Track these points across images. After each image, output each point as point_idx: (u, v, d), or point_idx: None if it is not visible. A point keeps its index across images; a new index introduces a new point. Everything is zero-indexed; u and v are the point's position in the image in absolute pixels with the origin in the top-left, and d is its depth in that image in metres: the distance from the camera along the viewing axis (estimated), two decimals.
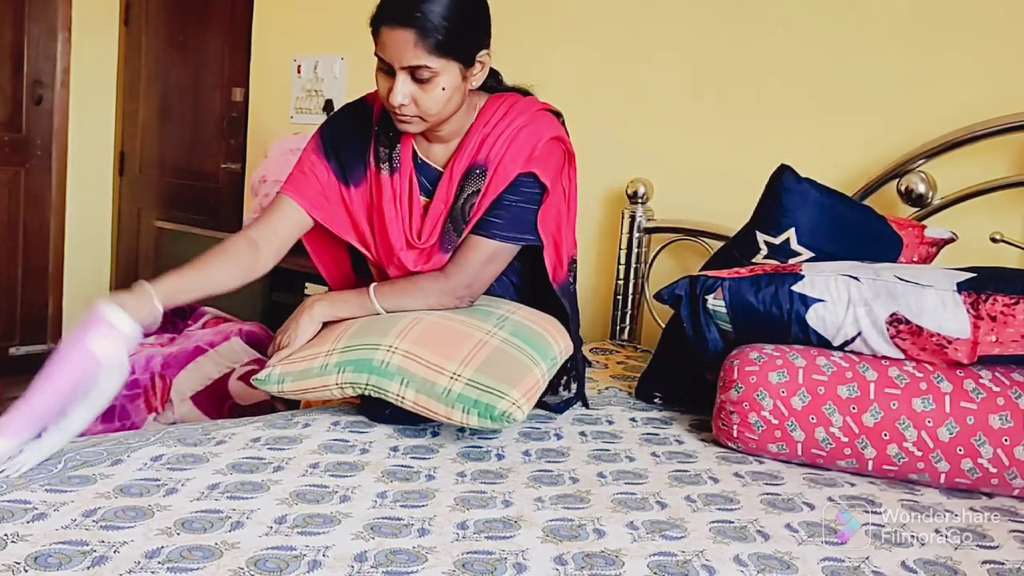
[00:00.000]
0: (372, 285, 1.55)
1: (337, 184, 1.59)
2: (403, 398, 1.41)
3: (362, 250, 1.64)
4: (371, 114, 1.61)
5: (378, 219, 1.57)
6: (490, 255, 1.54)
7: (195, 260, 1.47)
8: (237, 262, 1.51)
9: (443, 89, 1.42)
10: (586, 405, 1.70)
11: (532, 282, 1.69)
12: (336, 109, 1.66)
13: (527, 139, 1.52)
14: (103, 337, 1.21)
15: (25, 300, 4.03)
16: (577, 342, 1.65)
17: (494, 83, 1.60)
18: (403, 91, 1.41)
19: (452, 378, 1.38)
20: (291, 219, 1.58)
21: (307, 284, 2.82)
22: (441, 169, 1.57)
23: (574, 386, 1.70)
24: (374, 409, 1.52)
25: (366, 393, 1.44)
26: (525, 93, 1.62)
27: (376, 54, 1.42)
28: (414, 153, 1.58)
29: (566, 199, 1.61)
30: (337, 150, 1.59)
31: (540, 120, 1.55)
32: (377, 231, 1.58)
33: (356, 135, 1.60)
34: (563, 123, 1.60)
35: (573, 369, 1.69)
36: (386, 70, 1.42)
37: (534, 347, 1.47)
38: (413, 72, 1.40)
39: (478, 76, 1.49)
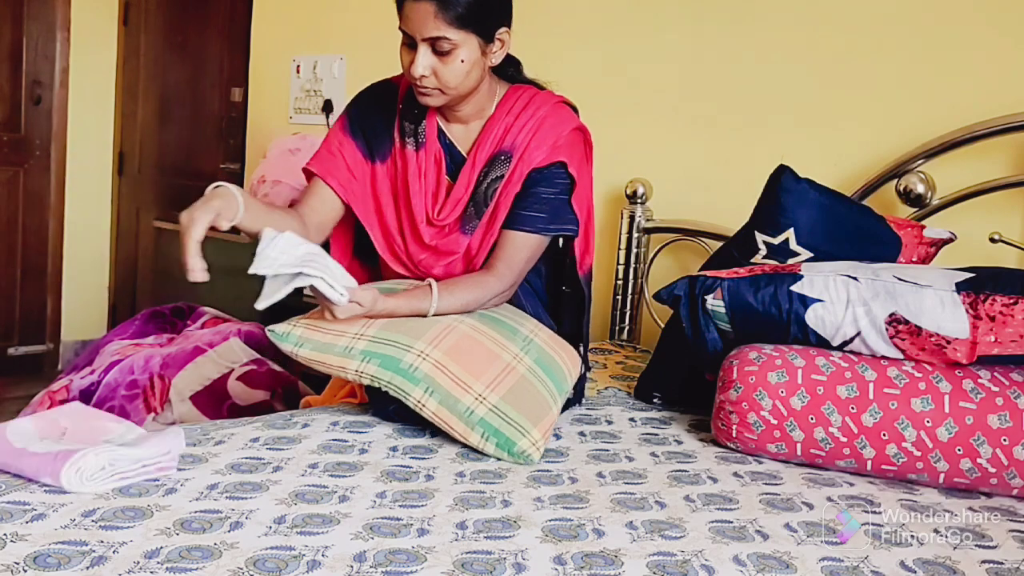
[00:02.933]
0: (430, 283, 1.51)
1: (364, 161, 1.63)
2: (424, 405, 1.41)
3: (377, 239, 1.65)
4: (396, 91, 1.65)
5: (403, 192, 1.61)
6: (534, 250, 1.60)
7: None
8: (294, 223, 1.53)
9: (462, 61, 1.47)
10: (579, 402, 1.71)
11: (547, 279, 1.74)
12: (362, 89, 1.72)
13: (551, 128, 1.58)
14: None
15: (24, 300, 4.03)
16: (587, 336, 1.70)
17: (515, 72, 1.66)
18: (423, 63, 1.46)
19: (477, 399, 1.40)
20: (325, 199, 1.62)
21: None
22: (465, 154, 1.61)
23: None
24: (379, 403, 1.53)
25: (384, 389, 1.44)
26: (540, 87, 1.67)
27: (400, 28, 1.48)
28: (440, 132, 1.62)
29: (590, 188, 1.67)
30: (363, 127, 1.64)
31: (561, 111, 1.61)
32: (402, 204, 1.62)
33: (381, 112, 1.64)
34: (578, 115, 1.66)
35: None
36: (409, 44, 1.48)
37: (553, 380, 1.50)
38: (433, 44, 1.45)
39: (497, 54, 1.54)
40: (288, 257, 1.31)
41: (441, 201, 1.60)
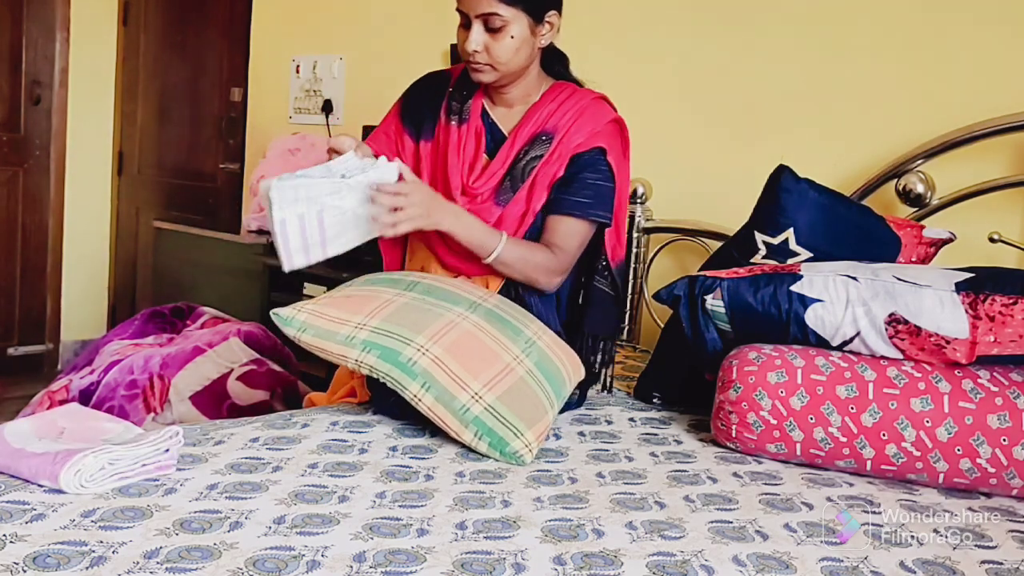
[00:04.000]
0: (503, 233, 1.60)
1: (411, 142, 1.75)
2: (420, 400, 1.41)
3: None
4: (449, 77, 1.77)
5: (441, 163, 1.70)
6: (583, 237, 1.68)
7: None
8: None
9: (512, 38, 1.58)
10: (609, 391, 1.79)
11: (573, 281, 1.77)
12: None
13: (591, 117, 1.68)
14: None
15: (23, 300, 4.03)
16: (618, 325, 1.78)
17: (561, 68, 1.76)
18: (476, 39, 1.58)
19: (473, 397, 1.40)
20: None
21: (306, 284, 2.81)
22: (506, 134, 1.69)
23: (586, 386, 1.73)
24: (380, 397, 1.54)
25: (383, 381, 1.44)
26: (581, 86, 1.76)
27: (456, 10, 1.61)
28: (484, 112, 1.72)
29: (626, 180, 1.75)
30: (412, 112, 1.76)
31: (602, 104, 1.72)
32: (439, 174, 1.70)
33: (432, 96, 1.75)
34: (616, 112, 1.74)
35: (605, 354, 1.75)
36: (465, 24, 1.61)
37: (553, 385, 1.50)
38: (486, 21, 1.57)
39: (547, 36, 1.65)
40: (295, 194, 1.39)
41: (477, 173, 1.67)
